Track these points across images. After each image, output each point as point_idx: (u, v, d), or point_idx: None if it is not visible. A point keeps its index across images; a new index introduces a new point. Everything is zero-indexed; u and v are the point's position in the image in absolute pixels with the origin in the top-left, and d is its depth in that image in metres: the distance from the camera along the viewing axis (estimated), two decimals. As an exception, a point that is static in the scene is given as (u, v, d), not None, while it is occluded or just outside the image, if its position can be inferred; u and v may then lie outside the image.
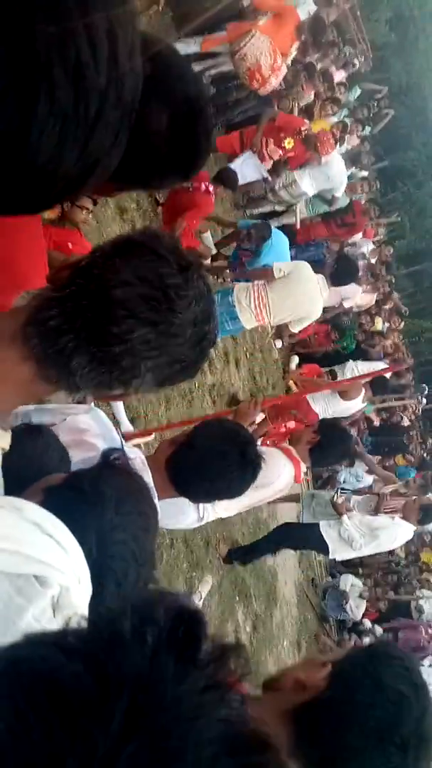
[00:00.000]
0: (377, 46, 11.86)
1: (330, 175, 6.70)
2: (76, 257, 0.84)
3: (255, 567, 5.49)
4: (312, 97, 7.19)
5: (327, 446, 3.04)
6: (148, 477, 1.53)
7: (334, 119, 7.51)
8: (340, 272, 4.89)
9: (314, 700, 0.95)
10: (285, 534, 5.41)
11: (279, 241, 5.36)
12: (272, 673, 1.08)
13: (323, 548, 5.28)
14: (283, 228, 6.38)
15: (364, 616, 7.97)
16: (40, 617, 0.62)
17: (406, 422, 10.13)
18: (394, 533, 5.24)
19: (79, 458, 1.37)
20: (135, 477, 1.07)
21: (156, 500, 1.23)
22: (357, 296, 8.15)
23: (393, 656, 0.98)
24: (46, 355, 0.78)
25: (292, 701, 0.97)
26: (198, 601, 4.07)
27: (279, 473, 2.70)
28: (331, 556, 5.52)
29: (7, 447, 0.84)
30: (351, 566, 8.91)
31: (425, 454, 10.78)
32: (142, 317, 0.77)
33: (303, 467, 2.90)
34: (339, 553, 5.30)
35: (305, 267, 4.59)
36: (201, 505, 2.10)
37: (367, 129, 9.37)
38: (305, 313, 4.60)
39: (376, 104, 9.93)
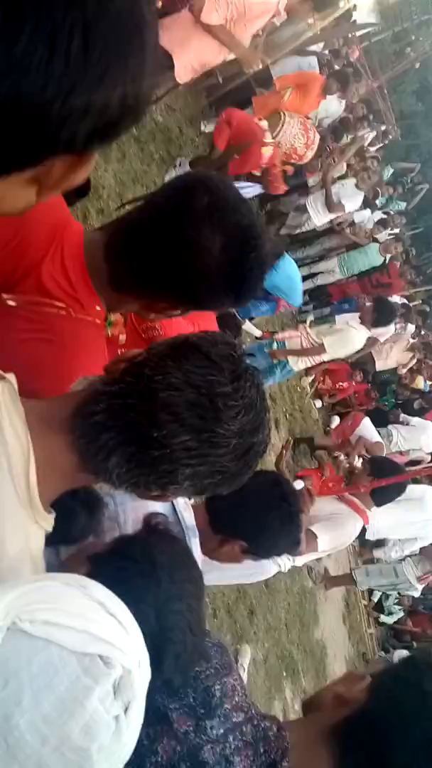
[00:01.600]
0: (405, 115, 12.30)
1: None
2: (134, 352, 0.85)
3: (301, 640, 5.21)
4: (344, 168, 7.42)
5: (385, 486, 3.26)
6: (190, 516, 1.49)
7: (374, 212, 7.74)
8: (379, 314, 4.98)
9: (356, 714, 0.91)
10: None
11: (287, 265, 5.20)
12: (312, 694, 1.05)
13: None
14: (318, 288, 6.47)
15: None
16: (104, 700, 0.61)
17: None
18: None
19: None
20: (180, 542, 1.07)
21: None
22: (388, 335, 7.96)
23: None
24: (87, 449, 0.78)
25: (334, 718, 0.93)
26: (243, 673, 3.86)
27: (352, 529, 2.89)
28: None
29: (49, 529, 0.84)
30: (404, 641, 8.39)
31: None
32: (186, 424, 0.75)
33: (368, 512, 3.12)
34: None
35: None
36: (282, 564, 2.28)
37: (403, 205, 9.59)
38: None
39: (409, 180, 10.19)
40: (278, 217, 7.01)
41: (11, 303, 1.02)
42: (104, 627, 0.65)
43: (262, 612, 4.71)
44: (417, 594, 7.05)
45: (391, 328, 7.02)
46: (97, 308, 1.09)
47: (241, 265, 0.98)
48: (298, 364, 4.69)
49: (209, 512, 1.64)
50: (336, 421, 8.02)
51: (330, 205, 6.65)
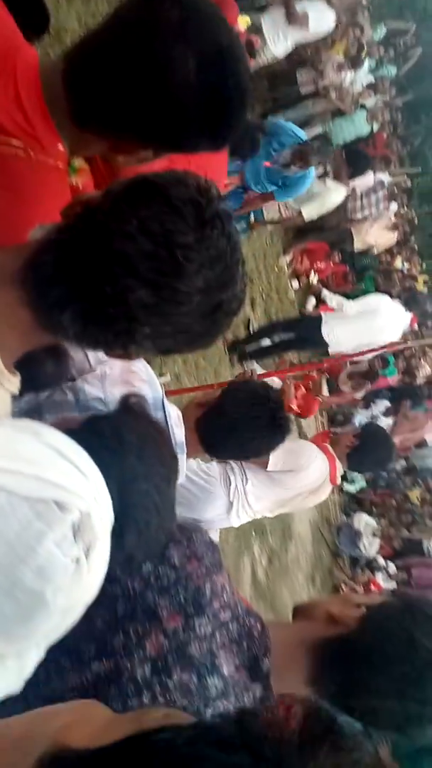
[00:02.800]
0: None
1: None
2: (90, 194, 0.76)
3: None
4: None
5: (366, 451, 2.89)
6: (181, 433, 1.54)
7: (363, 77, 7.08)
8: (352, 164, 4.85)
9: (343, 637, 0.96)
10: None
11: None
12: (305, 601, 1.10)
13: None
14: None
15: (378, 553, 8.14)
16: (60, 543, 0.61)
17: (427, 369, 9.99)
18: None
19: (118, 393, 1.37)
20: (155, 424, 1.02)
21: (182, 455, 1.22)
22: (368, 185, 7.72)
23: (430, 616, 0.97)
24: (39, 305, 0.72)
25: (320, 633, 0.98)
26: (215, 534, 4.15)
27: (311, 459, 2.58)
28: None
29: (16, 391, 0.80)
30: (365, 506, 9.05)
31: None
32: (142, 278, 0.68)
33: (339, 469, 2.74)
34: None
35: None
36: (234, 498, 2.14)
37: (393, 71, 8.86)
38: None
39: (402, 43, 9.34)
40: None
41: None
42: (59, 472, 0.63)
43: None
44: None
45: (369, 177, 6.82)
46: (59, 147, 0.97)
47: (218, 92, 0.85)
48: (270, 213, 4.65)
49: (199, 432, 1.69)
50: (312, 301, 8.00)
51: (291, 16, 5.66)
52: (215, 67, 0.85)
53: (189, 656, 0.89)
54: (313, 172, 4.64)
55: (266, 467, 2.33)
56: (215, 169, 1.27)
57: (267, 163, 4.43)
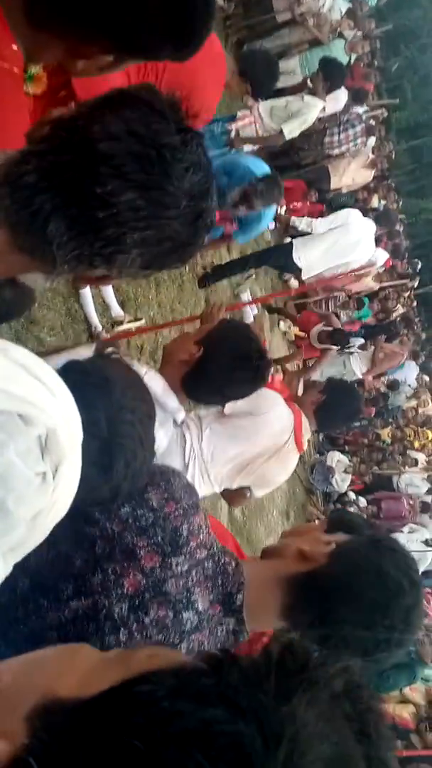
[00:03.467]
0: None
1: None
2: (59, 111, 0.73)
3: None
4: None
5: (334, 407, 2.66)
6: (173, 402, 1.58)
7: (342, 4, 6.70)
8: (329, 77, 4.93)
9: (314, 572, 0.99)
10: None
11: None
12: (273, 544, 1.12)
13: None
14: (278, 91, 5.95)
15: (349, 488, 8.45)
16: (25, 456, 0.61)
17: (400, 309, 10.08)
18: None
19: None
20: (133, 371, 1.04)
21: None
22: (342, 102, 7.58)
23: (396, 550, 1.02)
24: (19, 219, 0.69)
25: (292, 569, 1.01)
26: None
27: (272, 404, 2.32)
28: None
29: None
30: (337, 444, 9.31)
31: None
32: (131, 178, 0.67)
33: (307, 433, 2.45)
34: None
35: None
36: (189, 459, 2.03)
37: (374, 1, 8.41)
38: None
39: None
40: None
41: None
42: (24, 387, 0.63)
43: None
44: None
45: (342, 94, 6.64)
46: (14, 48, 0.90)
47: None
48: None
49: (184, 389, 1.72)
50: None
51: None
52: None
53: (165, 593, 0.92)
54: (272, 211, 4.24)
55: (223, 412, 2.19)
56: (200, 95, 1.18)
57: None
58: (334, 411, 2.69)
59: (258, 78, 3.51)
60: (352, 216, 5.52)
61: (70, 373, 0.86)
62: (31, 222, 0.70)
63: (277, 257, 5.59)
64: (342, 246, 5.36)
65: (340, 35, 7.11)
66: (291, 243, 5.53)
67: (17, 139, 0.79)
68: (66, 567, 0.94)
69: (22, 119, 0.95)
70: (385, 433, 9.72)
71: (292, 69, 6.90)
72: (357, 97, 7.17)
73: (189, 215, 0.72)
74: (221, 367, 1.74)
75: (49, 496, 0.64)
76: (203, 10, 0.88)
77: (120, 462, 0.89)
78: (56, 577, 0.94)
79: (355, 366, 7.46)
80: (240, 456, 2.19)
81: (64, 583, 0.94)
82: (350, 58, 7.28)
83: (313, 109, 5.14)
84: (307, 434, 2.46)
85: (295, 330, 7.52)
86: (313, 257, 5.30)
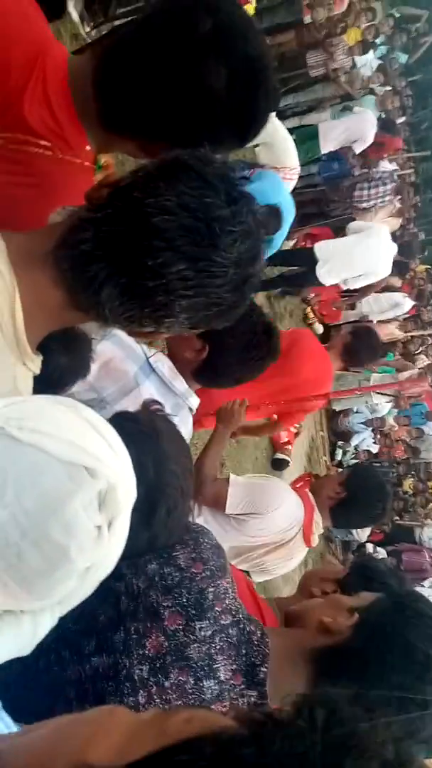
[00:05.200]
0: None
1: None
2: (117, 176, 0.78)
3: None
4: (345, 6, 6.65)
5: (355, 507, 2.19)
6: (181, 383, 1.55)
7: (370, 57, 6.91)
8: None
9: (338, 647, 0.97)
10: None
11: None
12: (296, 607, 1.10)
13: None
14: (305, 127, 6.11)
15: (368, 538, 8.24)
16: (87, 507, 0.64)
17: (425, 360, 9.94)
18: None
19: (114, 389, 1.39)
20: (175, 425, 1.07)
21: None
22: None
23: (422, 614, 0.98)
24: (76, 283, 0.74)
25: (317, 642, 0.99)
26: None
27: (280, 501, 2.03)
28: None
29: (37, 371, 0.83)
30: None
31: None
32: (181, 251, 0.71)
33: (318, 529, 2.12)
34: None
35: None
36: None
37: (404, 58, 8.69)
38: None
39: (414, 30, 9.14)
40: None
41: None
42: (92, 443, 0.66)
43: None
44: None
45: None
46: (87, 148, 0.99)
47: (247, 102, 0.88)
48: None
49: (196, 381, 1.68)
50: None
51: None
52: (246, 80, 0.87)
53: (187, 658, 0.90)
54: (279, 240, 4.16)
55: (224, 510, 1.94)
56: None
57: None
58: (355, 512, 2.24)
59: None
60: (374, 228, 5.69)
61: (122, 420, 0.89)
62: (86, 287, 0.74)
63: (300, 259, 5.67)
64: (367, 247, 5.38)
65: (371, 91, 7.31)
66: (313, 248, 5.61)
67: None
68: (90, 621, 0.93)
69: None
70: (407, 485, 9.52)
71: (324, 121, 7.09)
72: (385, 126, 7.18)
73: (236, 282, 0.75)
74: (233, 354, 1.67)
75: (103, 549, 0.67)
76: (267, 110, 0.93)
77: (162, 509, 0.91)
78: (80, 631, 0.93)
79: (377, 402, 7.34)
80: (240, 545, 2.01)
81: (87, 638, 0.93)
82: (381, 115, 7.47)
83: None
84: (318, 531, 2.14)
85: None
86: (337, 256, 5.35)
